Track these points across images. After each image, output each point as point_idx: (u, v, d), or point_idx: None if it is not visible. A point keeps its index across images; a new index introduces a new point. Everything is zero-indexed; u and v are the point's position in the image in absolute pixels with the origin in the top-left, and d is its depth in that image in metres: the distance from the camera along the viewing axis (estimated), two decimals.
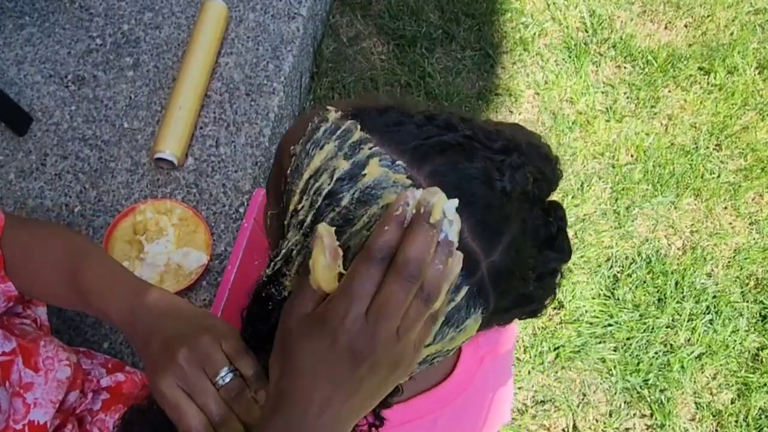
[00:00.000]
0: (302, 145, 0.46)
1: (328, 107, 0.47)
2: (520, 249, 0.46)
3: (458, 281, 0.41)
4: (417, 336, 0.40)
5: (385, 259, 0.38)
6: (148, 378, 0.50)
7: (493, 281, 0.44)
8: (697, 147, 1.72)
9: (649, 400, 1.45)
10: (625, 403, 1.45)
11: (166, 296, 0.58)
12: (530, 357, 1.46)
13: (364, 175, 0.42)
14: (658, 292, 1.56)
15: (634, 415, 1.45)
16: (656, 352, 1.50)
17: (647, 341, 1.51)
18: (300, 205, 0.44)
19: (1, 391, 0.69)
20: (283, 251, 0.45)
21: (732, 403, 1.48)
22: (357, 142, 0.44)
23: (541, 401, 1.44)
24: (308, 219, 0.43)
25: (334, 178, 0.42)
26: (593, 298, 1.53)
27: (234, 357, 0.49)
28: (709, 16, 1.90)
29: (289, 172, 0.46)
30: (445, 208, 0.38)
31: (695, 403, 1.47)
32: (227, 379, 0.48)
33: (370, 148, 0.43)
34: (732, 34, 1.88)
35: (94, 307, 0.62)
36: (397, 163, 0.42)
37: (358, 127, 0.44)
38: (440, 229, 0.38)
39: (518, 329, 1.50)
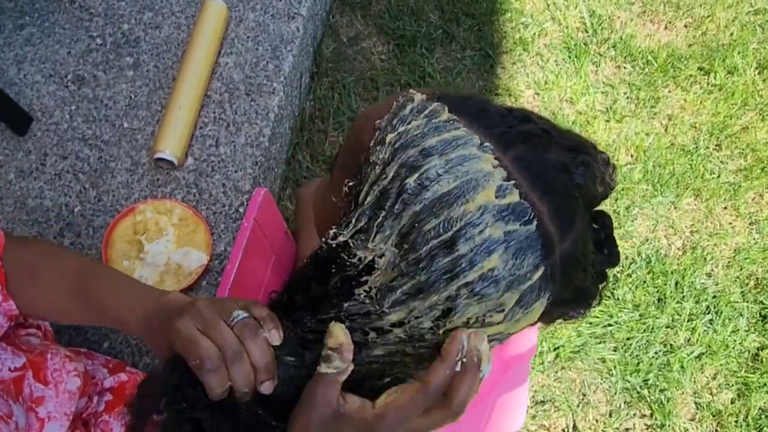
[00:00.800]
0: (388, 121, 0.47)
1: (412, 90, 0.48)
2: (585, 241, 0.47)
3: (537, 260, 0.43)
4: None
5: (438, 393, 0.44)
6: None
7: (563, 267, 0.45)
8: (697, 147, 1.72)
9: (649, 400, 1.45)
10: (625, 403, 1.45)
11: (184, 296, 0.58)
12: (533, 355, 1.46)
13: (453, 149, 0.43)
14: (658, 292, 1.56)
15: (634, 415, 1.45)
16: (656, 352, 1.50)
17: (647, 341, 1.51)
18: (383, 176, 0.45)
19: (17, 406, 0.69)
20: (359, 219, 0.46)
21: (732, 403, 1.48)
22: (446, 121, 0.45)
23: (541, 401, 1.44)
24: (393, 189, 0.44)
25: (421, 150, 0.44)
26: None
27: (249, 306, 0.50)
28: (709, 16, 1.90)
29: (372, 143, 0.47)
30: (487, 352, 0.44)
31: (695, 403, 1.47)
32: (241, 317, 0.49)
33: (457, 128, 0.44)
34: (732, 34, 1.88)
35: (111, 317, 0.63)
36: (485, 144, 0.44)
37: (446, 108, 0.46)
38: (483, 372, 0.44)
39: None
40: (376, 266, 0.44)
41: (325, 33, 1.71)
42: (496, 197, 0.42)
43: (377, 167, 0.45)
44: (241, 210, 1.15)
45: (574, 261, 0.46)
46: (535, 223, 0.42)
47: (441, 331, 0.44)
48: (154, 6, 1.30)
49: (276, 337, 0.48)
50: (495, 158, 0.43)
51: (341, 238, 0.46)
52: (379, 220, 0.44)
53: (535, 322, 0.48)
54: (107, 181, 1.15)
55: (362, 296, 0.45)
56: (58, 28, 1.26)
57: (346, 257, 0.46)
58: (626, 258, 1.59)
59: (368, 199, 0.45)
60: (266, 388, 0.47)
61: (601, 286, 0.53)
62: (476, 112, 0.46)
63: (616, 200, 1.64)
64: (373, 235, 0.44)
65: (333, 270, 0.47)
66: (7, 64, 1.21)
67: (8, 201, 1.11)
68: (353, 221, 0.46)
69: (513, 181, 0.43)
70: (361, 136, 0.49)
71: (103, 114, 1.20)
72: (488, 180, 0.42)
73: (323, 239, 0.48)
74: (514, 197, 0.42)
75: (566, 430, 1.43)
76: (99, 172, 1.15)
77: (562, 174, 0.45)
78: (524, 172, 0.43)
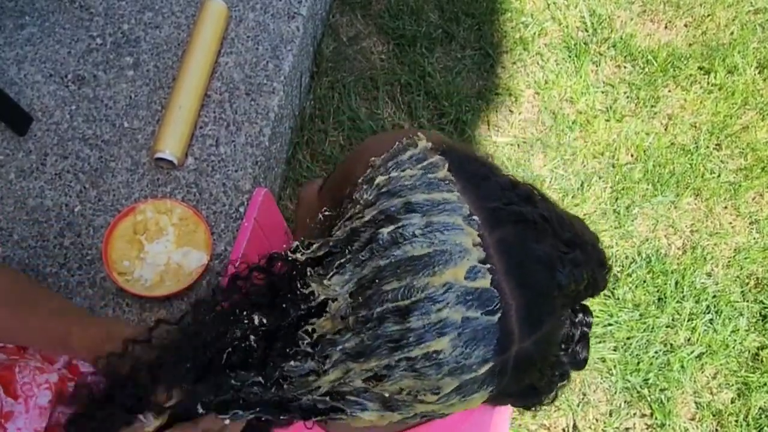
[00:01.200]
0: (383, 161, 0.44)
1: (419, 134, 0.45)
2: (550, 344, 0.45)
3: (488, 355, 0.40)
4: None
5: None
6: None
7: (516, 366, 0.42)
8: (697, 147, 1.72)
9: (649, 399, 1.45)
10: (625, 402, 1.46)
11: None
12: None
13: (439, 213, 0.40)
14: (658, 291, 1.56)
15: (634, 414, 1.45)
16: (656, 352, 1.50)
17: (647, 341, 1.51)
18: (359, 216, 0.42)
19: None
20: (320, 248, 0.43)
21: (732, 402, 1.48)
22: (441, 179, 0.42)
23: None
24: (365, 234, 0.41)
25: (406, 203, 0.41)
26: (593, 298, 1.53)
27: None
28: (709, 15, 1.90)
29: (360, 180, 0.44)
30: None
31: (695, 402, 1.47)
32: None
33: (450, 191, 0.41)
34: (732, 33, 1.88)
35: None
36: (473, 217, 0.41)
37: (446, 165, 0.43)
38: None
39: None
40: (326, 309, 0.42)
41: (325, 33, 1.72)
42: (466, 278, 0.39)
43: (358, 205, 0.43)
44: (242, 210, 1.15)
45: (530, 362, 0.43)
46: (498, 315, 0.39)
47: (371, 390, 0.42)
48: (154, 6, 1.30)
49: None
50: (478, 235, 0.40)
51: (298, 255, 0.44)
52: (341, 261, 0.42)
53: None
54: (107, 181, 1.15)
55: (305, 342, 0.42)
56: (58, 28, 1.26)
57: (299, 285, 0.43)
58: (626, 258, 1.59)
59: (338, 233, 0.43)
60: None
61: (559, 385, 0.50)
62: (477, 178, 0.43)
63: (617, 200, 1.64)
64: (331, 274, 0.42)
65: (281, 296, 0.44)
66: (8, 64, 1.21)
67: (8, 201, 1.11)
68: (314, 247, 0.43)
69: (489, 265, 0.40)
70: (354, 167, 0.47)
71: (103, 114, 1.20)
72: (463, 257, 0.39)
73: (283, 249, 0.46)
74: (484, 282, 0.39)
75: (566, 429, 1.43)
76: (99, 171, 1.15)
77: (544, 270, 0.42)
78: (504, 257, 0.41)
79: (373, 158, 0.45)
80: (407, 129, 0.49)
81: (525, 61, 1.78)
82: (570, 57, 1.80)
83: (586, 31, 1.84)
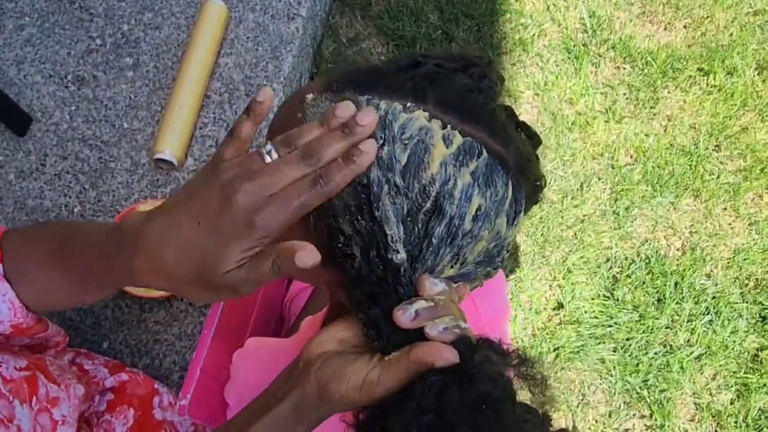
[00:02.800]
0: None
1: (309, 96, 0.48)
2: (520, 139, 0.51)
3: (504, 178, 0.47)
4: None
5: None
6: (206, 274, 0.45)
7: (521, 170, 0.48)
8: (696, 148, 1.72)
9: (648, 400, 1.45)
10: (624, 403, 1.45)
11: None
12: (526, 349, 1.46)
13: (391, 122, 0.45)
14: (657, 292, 1.56)
15: (634, 415, 1.45)
16: (656, 353, 1.50)
17: (647, 342, 1.51)
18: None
19: (24, 409, 0.62)
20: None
21: (731, 403, 1.48)
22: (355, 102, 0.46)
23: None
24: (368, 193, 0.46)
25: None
26: (592, 299, 1.53)
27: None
28: (708, 17, 1.90)
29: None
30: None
31: (695, 403, 1.47)
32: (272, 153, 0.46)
33: (377, 106, 0.46)
34: (731, 35, 1.88)
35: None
36: (408, 105, 0.46)
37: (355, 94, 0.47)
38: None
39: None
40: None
41: (324, 33, 1.72)
42: (446, 147, 0.45)
43: None
44: None
45: (525, 160, 0.49)
46: (484, 151, 0.46)
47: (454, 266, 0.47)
48: (154, 6, 1.30)
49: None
50: (423, 110, 0.45)
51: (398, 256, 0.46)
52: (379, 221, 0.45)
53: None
54: (107, 182, 1.15)
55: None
56: (58, 29, 1.26)
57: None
58: (626, 259, 1.59)
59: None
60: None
61: (540, 167, 0.55)
62: (378, 81, 0.48)
63: (616, 201, 1.64)
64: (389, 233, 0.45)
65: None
66: (7, 65, 1.21)
67: (8, 201, 1.11)
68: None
69: (448, 125, 0.45)
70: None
71: (103, 114, 1.20)
72: (432, 135, 0.45)
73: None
74: (458, 139, 0.45)
75: (566, 429, 1.43)
76: (99, 172, 1.15)
77: (475, 96, 0.48)
78: (450, 111, 0.46)
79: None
80: (294, 94, 0.51)
81: (524, 63, 1.78)
82: (569, 58, 1.80)
83: (586, 32, 1.84)
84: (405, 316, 0.44)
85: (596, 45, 1.82)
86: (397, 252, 0.44)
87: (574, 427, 1.43)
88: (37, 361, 0.66)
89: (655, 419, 1.44)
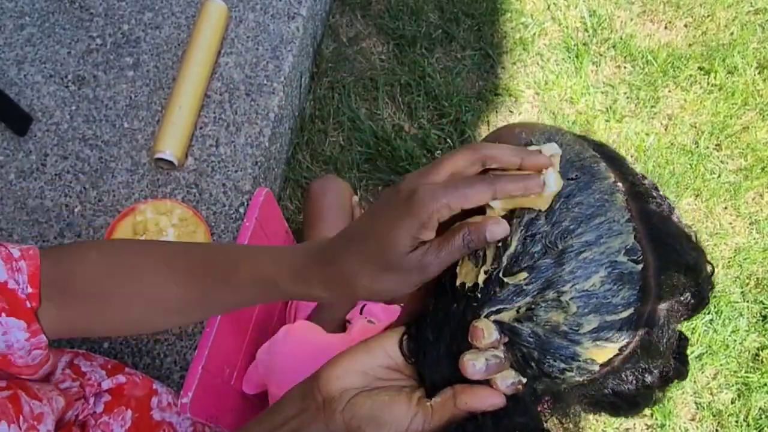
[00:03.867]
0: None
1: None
2: (672, 322, 0.47)
3: (631, 298, 0.42)
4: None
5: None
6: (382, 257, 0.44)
7: (647, 329, 0.44)
8: (697, 147, 1.72)
9: None
10: None
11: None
12: None
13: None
14: None
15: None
16: None
17: None
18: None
19: (12, 431, 0.61)
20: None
21: (732, 403, 1.48)
22: (589, 156, 0.46)
23: None
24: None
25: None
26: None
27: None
28: (709, 15, 1.90)
29: None
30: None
31: (695, 403, 1.47)
32: None
33: (597, 162, 0.46)
34: (732, 33, 1.88)
35: (253, 279, 0.51)
36: (618, 184, 0.44)
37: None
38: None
39: None
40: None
41: (325, 33, 1.71)
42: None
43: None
44: (242, 210, 1.15)
45: (659, 330, 0.45)
46: (641, 265, 0.42)
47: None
48: (154, 6, 1.30)
49: None
50: (624, 200, 0.44)
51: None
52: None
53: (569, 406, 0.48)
54: (107, 182, 1.15)
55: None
56: (58, 29, 1.26)
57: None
58: None
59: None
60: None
61: (660, 395, 0.51)
62: (612, 157, 0.47)
63: None
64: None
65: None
66: (8, 65, 1.21)
67: (8, 201, 1.11)
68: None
69: (633, 224, 0.43)
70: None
71: (103, 114, 1.20)
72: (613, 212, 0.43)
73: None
74: (630, 238, 0.42)
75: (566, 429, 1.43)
76: (99, 172, 1.15)
77: (678, 242, 0.45)
78: (645, 224, 0.43)
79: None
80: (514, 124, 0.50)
81: (525, 62, 1.78)
82: (570, 57, 1.80)
83: (586, 31, 1.84)
84: (476, 368, 0.42)
85: (597, 44, 1.82)
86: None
87: (575, 427, 1.43)
88: (15, 379, 0.65)
89: (656, 418, 1.44)
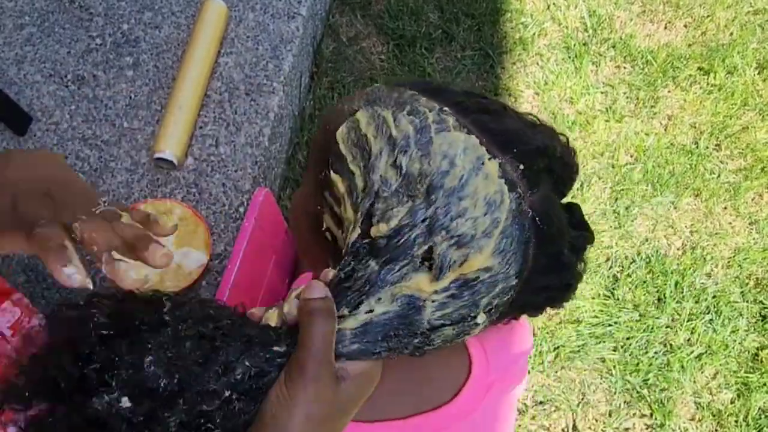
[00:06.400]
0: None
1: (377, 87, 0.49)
2: (558, 215, 0.49)
3: (504, 194, 0.43)
4: None
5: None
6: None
7: (540, 221, 0.45)
8: (697, 147, 1.72)
9: (648, 399, 1.45)
10: (624, 402, 1.45)
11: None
12: (530, 357, 1.46)
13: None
14: (657, 292, 1.56)
15: (634, 414, 1.45)
16: (656, 352, 1.50)
17: (647, 341, 1.51)
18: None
19: None
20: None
21: (732, 403, 1.48)
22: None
23: (541, 402, 1.44)
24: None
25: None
26: (593, 298, 1.53)
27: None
28: (708, 16, 1.90)
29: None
30: None
31: (695, 402, 1.47)
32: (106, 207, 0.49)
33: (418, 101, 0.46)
34: (732, 34, 1.88)
35: None
36: (444, 108, 0.46)
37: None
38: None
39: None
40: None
41: (324, 33, 1.71)
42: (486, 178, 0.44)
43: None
44: (241, 210, 1.15)
45: (544, 215, 0.46)
46: (498, 167, 0.43)
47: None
48: (154, 6, 1.30)
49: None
50: (456, 120, 0.45)
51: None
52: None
53: (521, 314, 0.50)
54: (107, 181, 1.14)
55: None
56: (58, 28, 1.26)
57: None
58: (626, 258, 1.59)
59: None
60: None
61: (581, 263, 0.53)
62: (434, 89, 0.48)
63: (616, 200, 1.64)
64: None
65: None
66: (7, 64, 1.21)
67: (8, 201, 1.11)
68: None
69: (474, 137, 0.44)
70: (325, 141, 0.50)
71: (103, 114, 1.20)
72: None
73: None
74: (479, 150, 0.44)
75: (566, 429, 1.43)
76: (99, 172, 1.15)
77: (521, 132, 0.47)
78: (482, 131, 0.45)
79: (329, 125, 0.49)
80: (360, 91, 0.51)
81: (525, 62, 1.78)
82: (570, 57, 1.80)
83: (586, 31, 1.84)
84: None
85: (596, 44, 1.82)
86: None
87: (575, 427, 1.43)
88: None
89: (656, 418, 1.44)
